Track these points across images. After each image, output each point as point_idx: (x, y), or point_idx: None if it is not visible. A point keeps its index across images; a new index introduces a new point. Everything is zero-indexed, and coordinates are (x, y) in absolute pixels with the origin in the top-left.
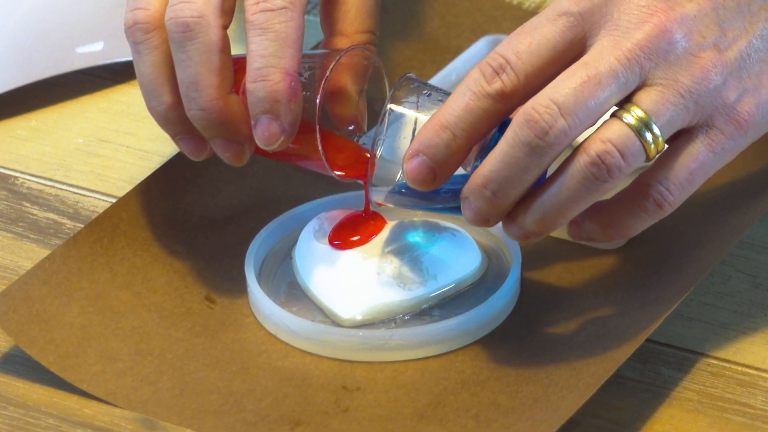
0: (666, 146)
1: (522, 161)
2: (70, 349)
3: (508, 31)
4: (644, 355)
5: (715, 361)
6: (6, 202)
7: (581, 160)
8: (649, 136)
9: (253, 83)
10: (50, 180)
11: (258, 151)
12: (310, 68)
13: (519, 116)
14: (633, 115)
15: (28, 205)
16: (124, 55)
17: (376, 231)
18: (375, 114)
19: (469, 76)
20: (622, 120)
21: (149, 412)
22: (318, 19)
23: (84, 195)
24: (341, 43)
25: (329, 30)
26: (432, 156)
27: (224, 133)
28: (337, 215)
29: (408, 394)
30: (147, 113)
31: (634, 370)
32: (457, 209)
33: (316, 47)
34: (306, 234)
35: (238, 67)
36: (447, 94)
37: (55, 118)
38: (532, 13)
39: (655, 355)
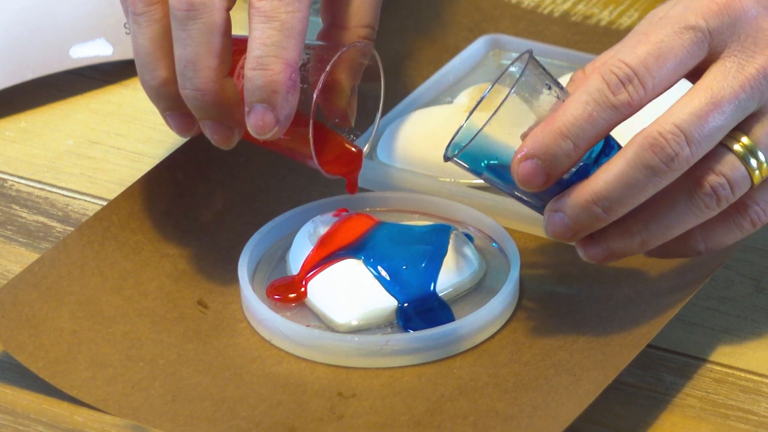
0: None
1: (641, 182)
2: (60, 354)
3: (506, 30)
4: (645, 361)
5: (717, 367)
6: None
7: (696, 191)
8: (754, 162)
9: (252, 70)
10: (39, 182)
11: (246, 136)
12: (307, 59)
13: (642, 139)
14: (741, 143)
15: (17, 207)
16: (116, 55)
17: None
18: (366, 111)
19: (590, 83)
20: (731, 149)
21: (141, 419)
22: (317, 20)
23: (74, 197)
24: (341, 35)
25: (329, 20)
26: (549, 162)
27: (216, 115)
28: (332, 218)
29: (405, 400)
30: (138, 114)
31: (635, 376)
32: (531, 205)
33: None
34: (300, 237)
35: (235, 48)
36: (562, 89)
37: (44, 119)
38: (530, 12)
39: (657, 360)
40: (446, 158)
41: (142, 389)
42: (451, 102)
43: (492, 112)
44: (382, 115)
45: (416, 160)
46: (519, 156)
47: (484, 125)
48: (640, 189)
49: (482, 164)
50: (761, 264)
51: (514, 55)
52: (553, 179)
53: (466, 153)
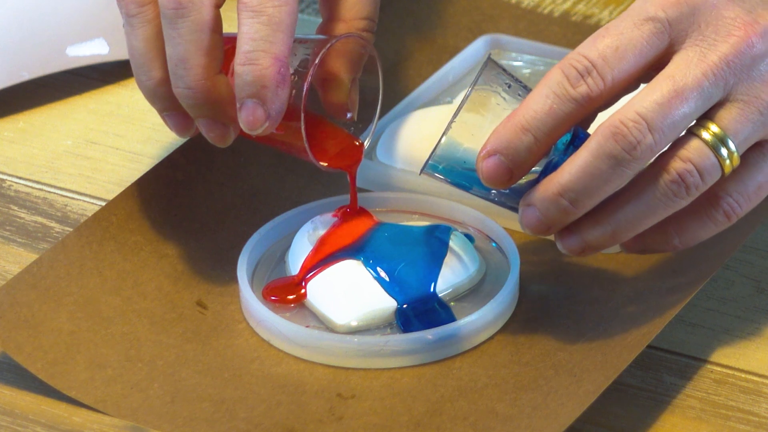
0: None
1: (605, 173)
2: (59, 355)
3: (506, 30)
4: (646, 362)
5: (718, 368)
6: None
7: (663, 178)
8: (724, 151)
9: (241, 66)
10: (38, 182)
11: (243, 133)
12: (304, 54)
13: (605, 128)
14: (710, 131)
15: (16, 208)
16: (113, 55)
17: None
18: (367, 104)
19: (550, 77)
20: (700, 137)
21: (139, 420)
22: (310, 18)
23: (72, 198)
24: (338, 28)
25: (328, 14)
26: (511, 158)
27: (210, 113)
28: (332, 219)
29: (404, 401)
30: (136, 115)
31: (635, 377)
32: (507, 206)
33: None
34: (300, 237)
35: (228, 46)
36: (525, 87)
37: (43, 119)
38: (530, 11)
39: (657, 361)
40: (420, 172)
41: (140, 390)
42: (450, 102)
43: (451, 118)
44: (383, 114)
45: (416, 161)
46: (482, 153)
47: (446, 130)
48: (605, 179)
49: (456, 172)
50: (761, 264)
51: (514, 55)
52: (517, 176)
53: (434, 162)
